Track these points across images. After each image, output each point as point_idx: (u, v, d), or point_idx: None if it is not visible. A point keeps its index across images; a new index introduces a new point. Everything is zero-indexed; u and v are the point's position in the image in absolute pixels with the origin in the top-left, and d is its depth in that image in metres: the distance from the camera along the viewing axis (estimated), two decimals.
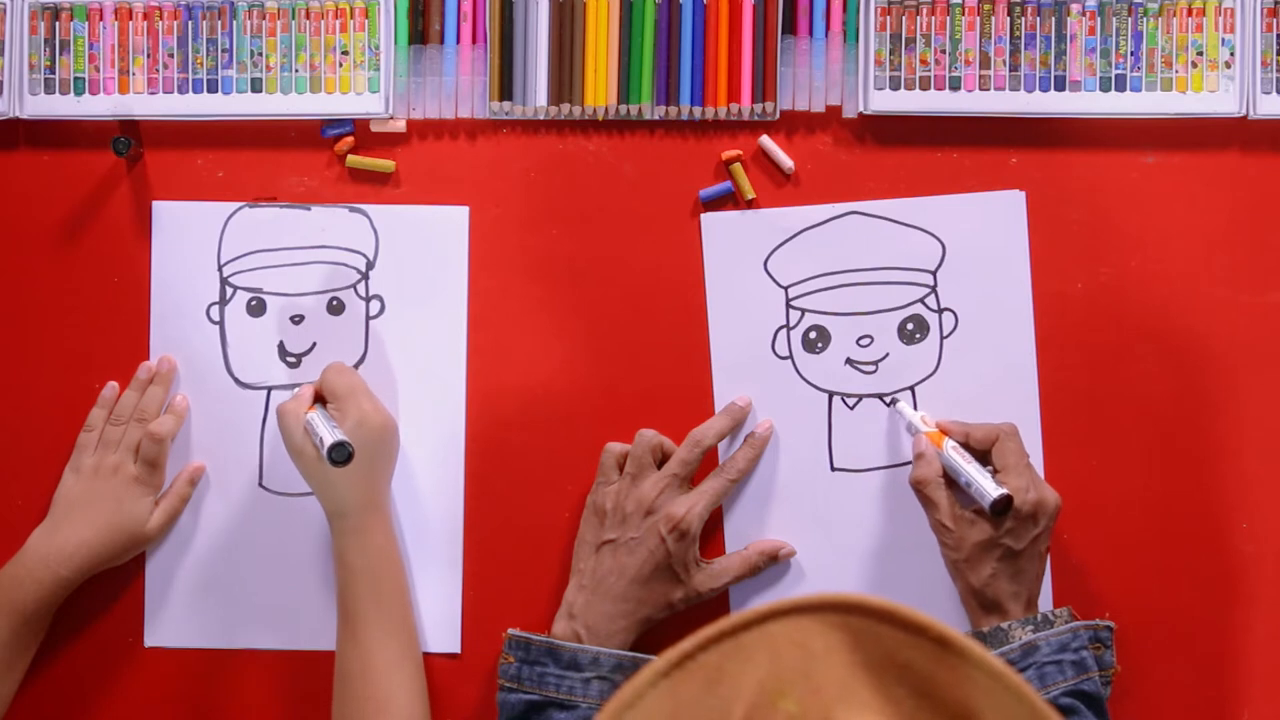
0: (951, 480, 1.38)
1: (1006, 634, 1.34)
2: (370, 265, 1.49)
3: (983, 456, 1.39)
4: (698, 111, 1.48)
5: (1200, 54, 1.46)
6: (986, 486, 1.33)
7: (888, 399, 1.47)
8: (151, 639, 1.49)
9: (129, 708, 1.49)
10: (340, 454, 1.34)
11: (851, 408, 1.47)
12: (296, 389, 1.46)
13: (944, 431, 1.41)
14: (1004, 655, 1.33)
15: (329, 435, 1.35)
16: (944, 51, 1.46)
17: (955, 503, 1.37)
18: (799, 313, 1.47)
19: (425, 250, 1.49)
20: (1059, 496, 1.36)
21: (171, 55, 1.49)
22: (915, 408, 1.46)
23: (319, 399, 1.43)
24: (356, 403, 1.41)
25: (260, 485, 1.50)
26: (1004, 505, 1.32)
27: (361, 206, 1.50)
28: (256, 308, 1.50)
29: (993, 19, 1.46)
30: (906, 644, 0.85)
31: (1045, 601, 1.44)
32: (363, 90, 1.49)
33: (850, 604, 0.86)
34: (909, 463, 1.43)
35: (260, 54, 1.49)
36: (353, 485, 1.40)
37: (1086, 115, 1.47)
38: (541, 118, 1.49)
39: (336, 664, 1.41)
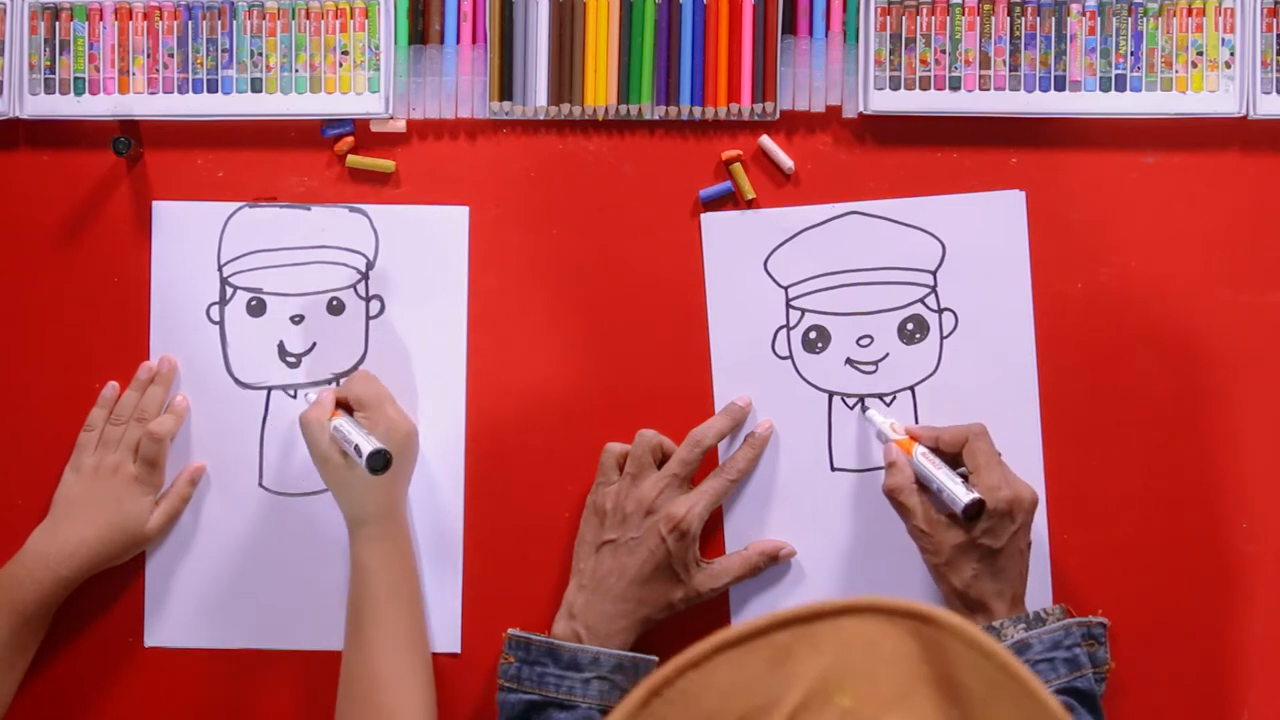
0: (925, 486, 1.38)
1: (998, 633, 1.34)
2: (370, 265, 1.49)
3: (954, 459, 1.39)
4: (698, 111, 1.48)
5: (1200, 54, 1.46)
6: (957, 492, 1.33)
7: (851, 402, 1.47)
8: (151, 639, 1.49)
9: (129, 708, 1.49)
10: (379, 461, 1.34)
11: (851, 408, 1.47)
12: (316, 396, 1.45)
13: (914, 437, 1.41)
14: None
15: (365, 443, 1.35)
16: (944, 51, 1.46)
17: (930, 507, 1.37)
18: (799, 313, 1.47)
19: (425, 250, 1.49)
20: (1034, 491, 1.36)
21: (171, 55, 1.49)
22: (915, 408, 1.47)
23: (341, 406, 1.43)
24: (385, 412, 1.41)
25: (260, 485, 1.50)
26: (976, 509, 1.33)
27: (361, 206, 1.50)
28: (256, 308, 1.50)
29: (993, 19, 1.46)
30: (968, 664, 0.86)
31: (1045, 598, 1.44)
32: (363, 90, 1.49)
33: (926, 615, 0.86)
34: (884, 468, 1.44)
35: (260, 54, 1.49)
36: (378, 493, 1.41)
37: (1086, 115, 1.47)
38: (541, 118, 1.49)
39: (343, 668, 1.41)
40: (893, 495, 1.38)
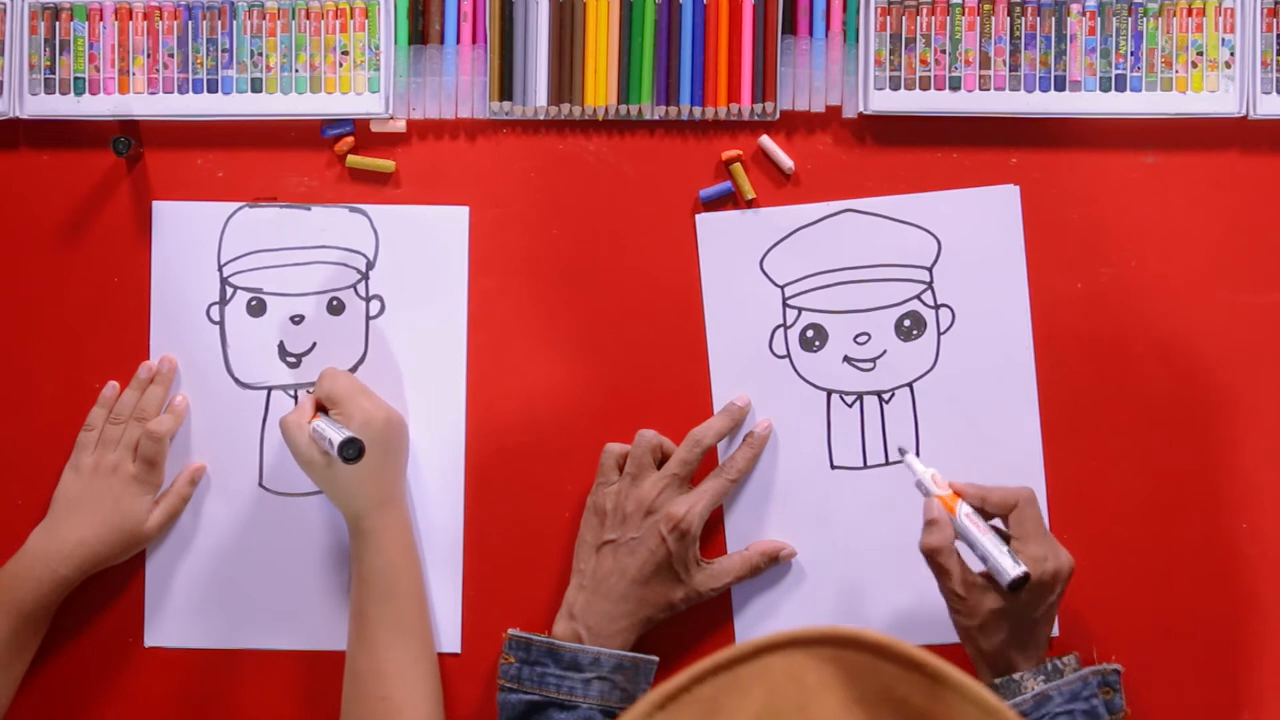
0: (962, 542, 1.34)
1: (1019, 685, 1.32)
2: (370, 265, 1.49)
3: (987, 513, 1.35)
4: (698, 111, 1.48)
5: (1200, 54, 1.46)
6: (1004, 564, 1.28)
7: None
8: (151, 639, 1.49)
9: (129, 708, 1.49)
10: (351, 450, 1.34)
11: (850, 405, 1.47)
12: (298, 401, 1.47)
13: (958, 494, 1.35)
14: (1017, 706, 1.31)
15: (337, 435, 1.35)
16: (944, 51, 1.46)
17: (967, 569, 1.32)
18: (795, 311, 1.47)
19: (425, 250, 1.49)
20: (1073, 559, 1.32)
21: (171, 55, 1.49)
22: (914, 405, 1.46)
23: (320, 408, 1.43)
24: (358, 403, 1.41)
25: (260, 485, 1.50)
26: (1022, 583, 1.29)
27: (362, 206, 1.50)
28: (256, 308, 1.50)
29: (993, 19, 1.46)
30: (901, 679, 0.86)
31: None
32: (363, 90, 1.49)
33: (845, 638, 0.86)
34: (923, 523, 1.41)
35: (260, 54, 1.49)
36: (367, 485, 1.41)
37: (1086, 115, 1.47)
38: (541, 118, 1.49)
39: (348, 664, 1.41)
40: (932, 556, 1.32)
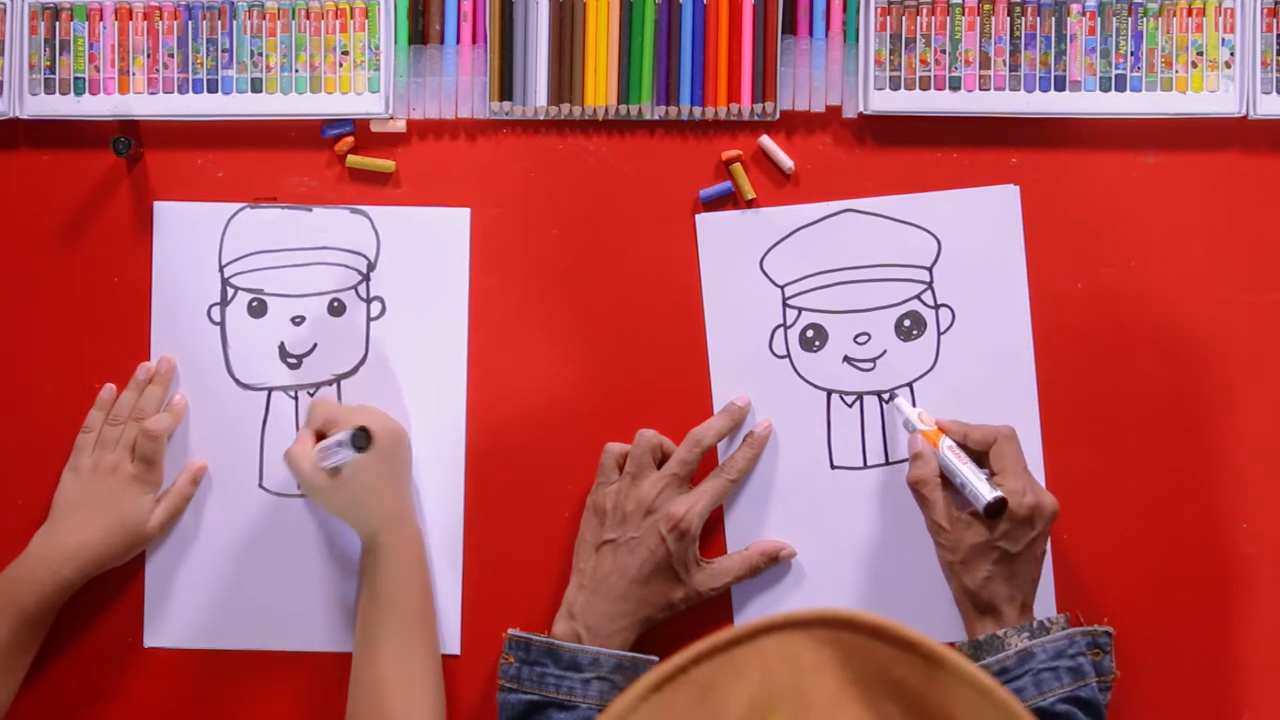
0: (949, 481, 1.38)
1: (1003, 641, 1.34)
2: (371, 266, 1.49)
3: (980, 458, 1.39)
4: (698, 111, 1.48)
5: (1200, 54, 1.46)
6: (981, 489, 1.33)
7: (886, 395, 1.47)
8: (151, 639, 1.49)
9: (129, 708, 1.49)
10: (361, 440, 1.33)
11: (850, 405, 1.47)
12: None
13: (942, 430, 1.41)
14: (1000, 662, 1.33)
15: (345, 434, 1.34)
16: (944, 51, 1.46)
17: (952, 504, 1.37)
18: (795, 311, 1.47)
19: (426, 251, 1.49)
20: (1056, 501, 1.36)
21: (171, 55, 1.49)
22: (914, 405, 1.46)
23: (319, 437, 1.43)
24: (354, 419, 1.40)
25: (260, 486, 1.50)
26: (998, 508, 1.33)
27: (362, 208, 1.50)
28: (257, 309, 1.50)
29: (993, 19, 1.46)
30: (898, 660, 0.86)
31: (1046, 598, 1.44)
32: (363, 90, 1.49)
33: (841, 619, 0.86)
34: (908, 459, 1.43)
35: (260, 54, 1.49)
36: (377, 501, 1.41)
37: (1086, 115, 1.47)
38: (541, 118, 1.49)
39: (352, 676, 1.41)
40: (916, 487, 1.38)
